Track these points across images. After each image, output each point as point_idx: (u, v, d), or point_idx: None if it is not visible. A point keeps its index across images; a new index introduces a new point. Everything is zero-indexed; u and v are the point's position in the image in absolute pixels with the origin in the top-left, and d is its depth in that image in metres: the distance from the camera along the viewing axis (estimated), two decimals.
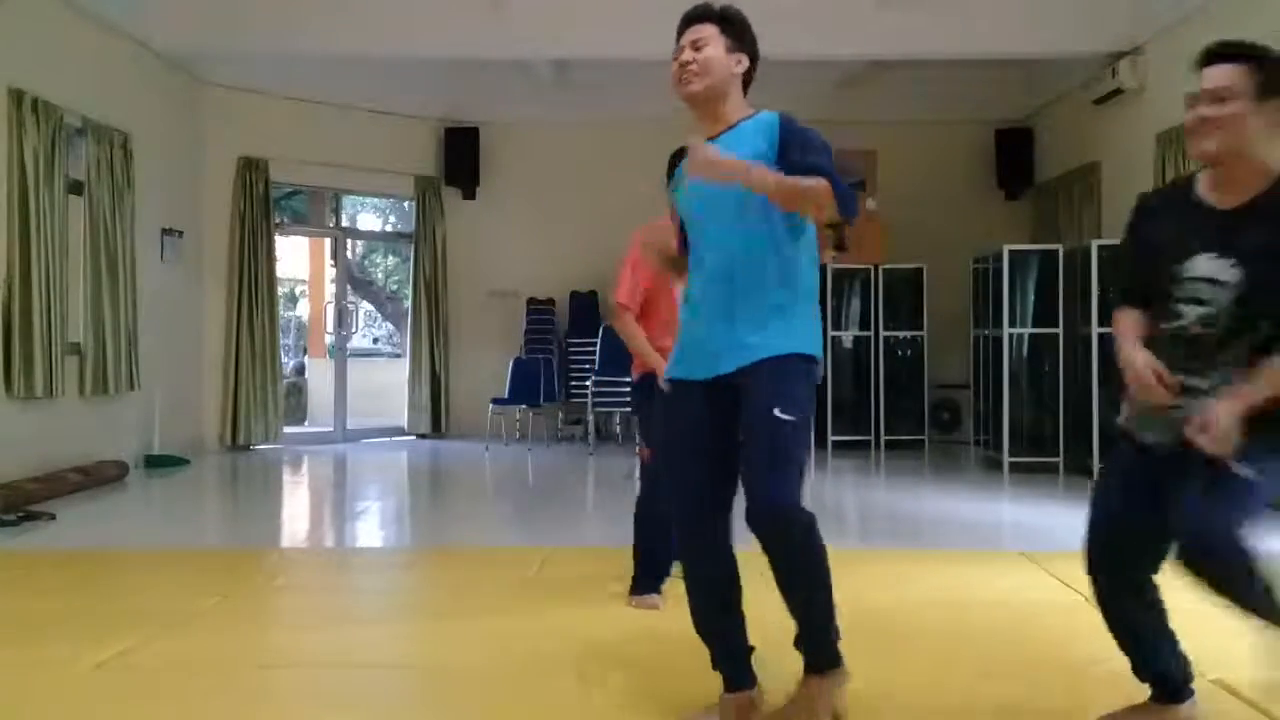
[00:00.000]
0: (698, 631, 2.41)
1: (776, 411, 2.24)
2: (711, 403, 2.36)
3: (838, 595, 2.30)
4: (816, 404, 2.45)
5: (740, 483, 2.33)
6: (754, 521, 2.24)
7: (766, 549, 2.26)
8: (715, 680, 2.40)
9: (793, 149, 2.29)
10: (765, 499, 2.22)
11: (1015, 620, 3.32)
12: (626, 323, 3.47)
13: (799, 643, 2.31)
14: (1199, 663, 2.50)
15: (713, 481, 2.39)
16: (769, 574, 2.27)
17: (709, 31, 2.41)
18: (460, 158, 9.71)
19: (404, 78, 9.24)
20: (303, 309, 17.96)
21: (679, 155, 2.68)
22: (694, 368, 2.40)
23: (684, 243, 2.54)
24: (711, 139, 2.39)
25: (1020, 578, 3.93)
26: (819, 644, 2.30)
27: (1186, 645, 2.44)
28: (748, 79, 2.46)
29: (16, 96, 6.09)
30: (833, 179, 2.21)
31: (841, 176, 2.24)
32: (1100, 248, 7.00)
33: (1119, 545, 2.31)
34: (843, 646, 2.35)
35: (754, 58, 2.46)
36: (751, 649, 2.41)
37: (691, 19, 2.46)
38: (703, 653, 2.42)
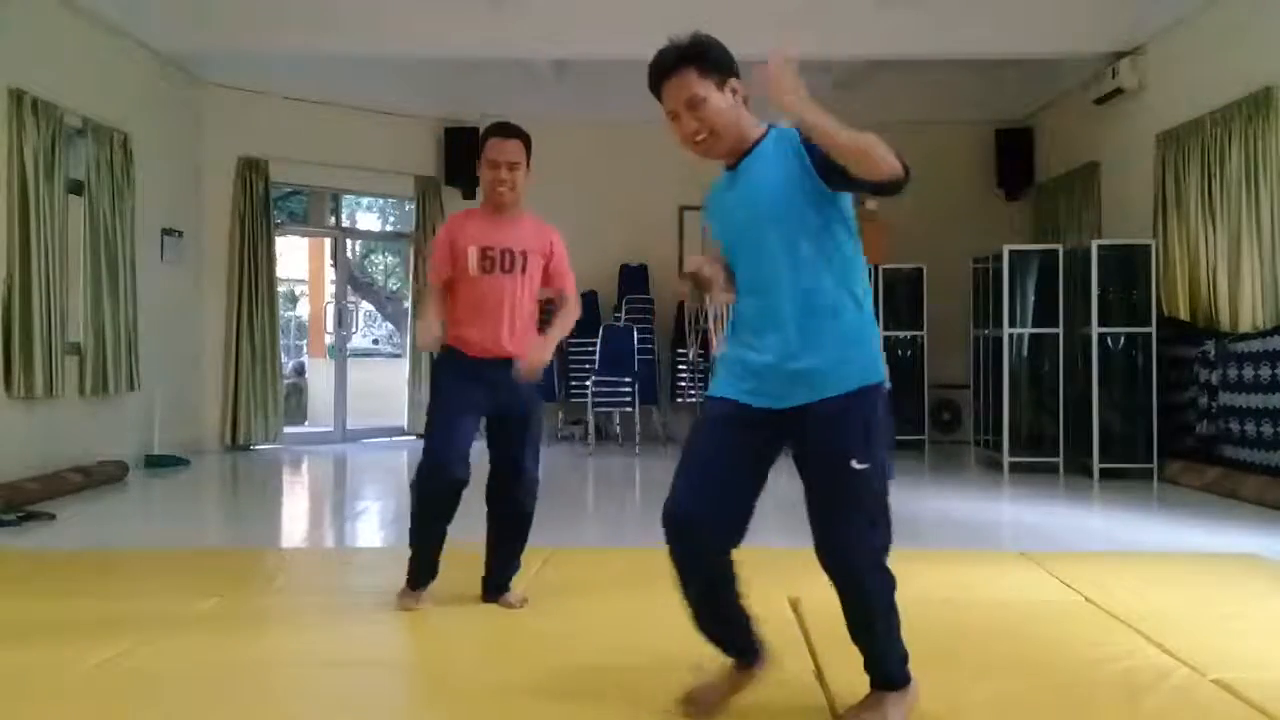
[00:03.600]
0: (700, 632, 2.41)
1: (853, 463, 2.16)
2: (758, 429, 2.26)
3: None
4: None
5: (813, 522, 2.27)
6: (829, 571, 2.25)
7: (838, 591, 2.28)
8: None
9: (817, 154, 2.16)
10: (836, 552, 2.23)
11: (1015, 620, 3.31)
12: (429, 294, 3.55)
13: (867, 666, 2.33)
14: (1199, 663, 2.50)
15: (740, 500, 2.28)
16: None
17: (692, 81, 2.23)
18: (460, 158, 9.70)
19: (404, 78, 9.24)
20: (303, 309, 17.96)
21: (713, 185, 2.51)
22: (751, 395, 2.27)
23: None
24: (732, 169, 2.32)
25: (1020, 578, 3.93)
26: (885, 666, 2.33)
27: (1187, 645, 2.43)
28: (745, 97, 2.32)
29: (16, 96, 6.09)
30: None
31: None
32: (1100, 247, 7.00)
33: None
34: (842, 646, 2.35)
35: (738, 73, 2.30)
36: (754, 631, 2.40)
37: (664, 70, 2.27)
38: (705, 649, 2.43)
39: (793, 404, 2.22)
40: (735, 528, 2.28)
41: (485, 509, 3.55)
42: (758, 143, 2.29)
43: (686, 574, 2.31)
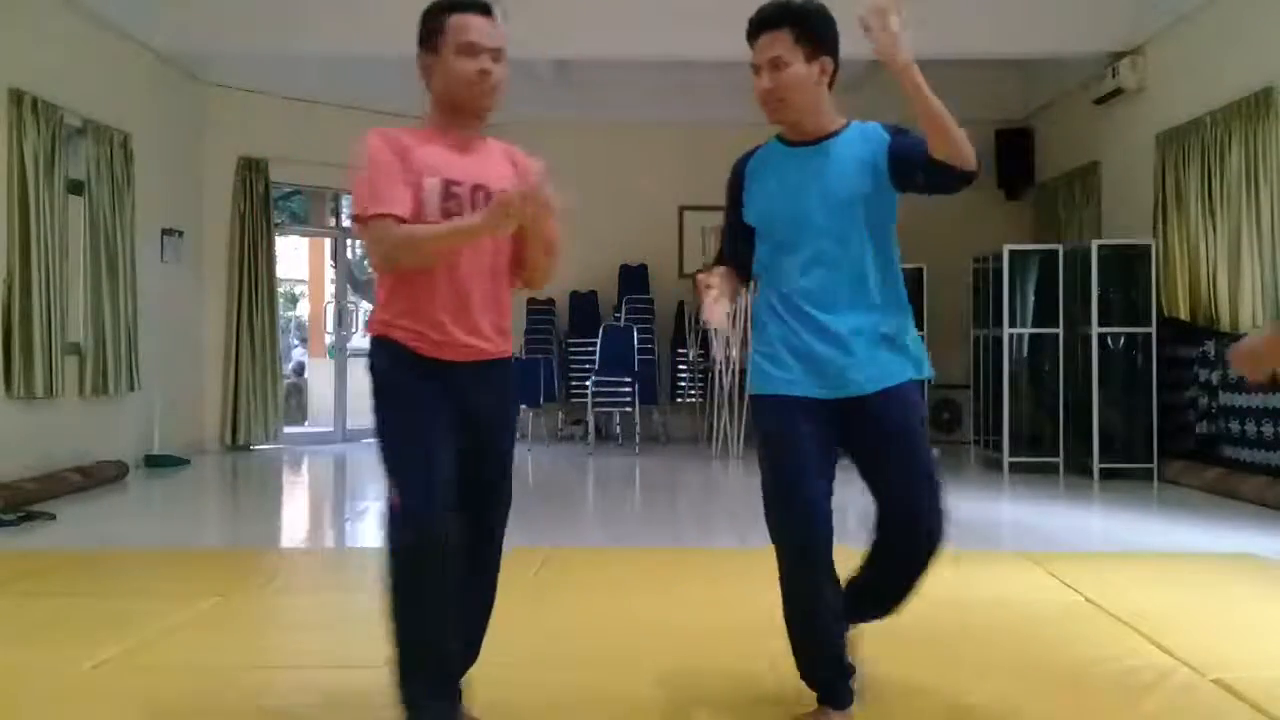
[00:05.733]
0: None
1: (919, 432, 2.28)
2: (824, 419, 2.27)
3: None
4: None
5: (879, 497, 2.31)
6: (910, 540, 2.28)
7: (902, 565, 2.30)
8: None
9: (903, 141, 2.20)
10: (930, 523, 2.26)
11: (1015, 620, 3.31)
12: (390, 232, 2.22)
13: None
14: (1199, 663, 2.50)
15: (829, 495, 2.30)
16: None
17: (785, 43, 2.20)
18: None
19: (404, 78, 9.18)
20: (303, 309, 17.96)
21: (745, 159, 2.44)
22: (810, 386, 2.26)
23: (734, 258, 2.44)
24: (798, 144, 2.30)
25: (1020, 578, 3.93)
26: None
27: (1187, 645, 2.43)
28: (833, 79, 2.28)
29: (16, 96, 6.09)
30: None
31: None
32: (1100, 247, 7.00)
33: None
34: None
35: (837, 57, 2.27)
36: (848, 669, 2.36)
37: (763, 23, 2.24)
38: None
39: (855, 391, 2.24)
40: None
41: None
42: (839, 131, 2.29)
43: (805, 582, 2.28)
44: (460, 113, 2.31)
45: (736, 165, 2.45)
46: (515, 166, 2.33)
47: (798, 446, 2.24)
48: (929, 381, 2.37)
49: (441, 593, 2.11)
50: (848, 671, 2.33)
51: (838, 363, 2.24)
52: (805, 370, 2.26)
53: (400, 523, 2.12)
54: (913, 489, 2.26)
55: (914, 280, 8.90)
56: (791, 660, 2.36)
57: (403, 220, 2.15)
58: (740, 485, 7.04)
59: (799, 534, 2.23)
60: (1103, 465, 6.95)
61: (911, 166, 2.17)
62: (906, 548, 2.28)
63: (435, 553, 2.09)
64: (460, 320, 2.20)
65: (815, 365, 2.25)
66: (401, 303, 2.21)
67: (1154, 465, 6.88)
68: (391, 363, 2.22)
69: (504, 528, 2.36)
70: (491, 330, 2.26)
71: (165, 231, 7.97)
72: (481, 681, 2.33)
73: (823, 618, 2.29)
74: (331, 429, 9.86)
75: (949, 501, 2.28)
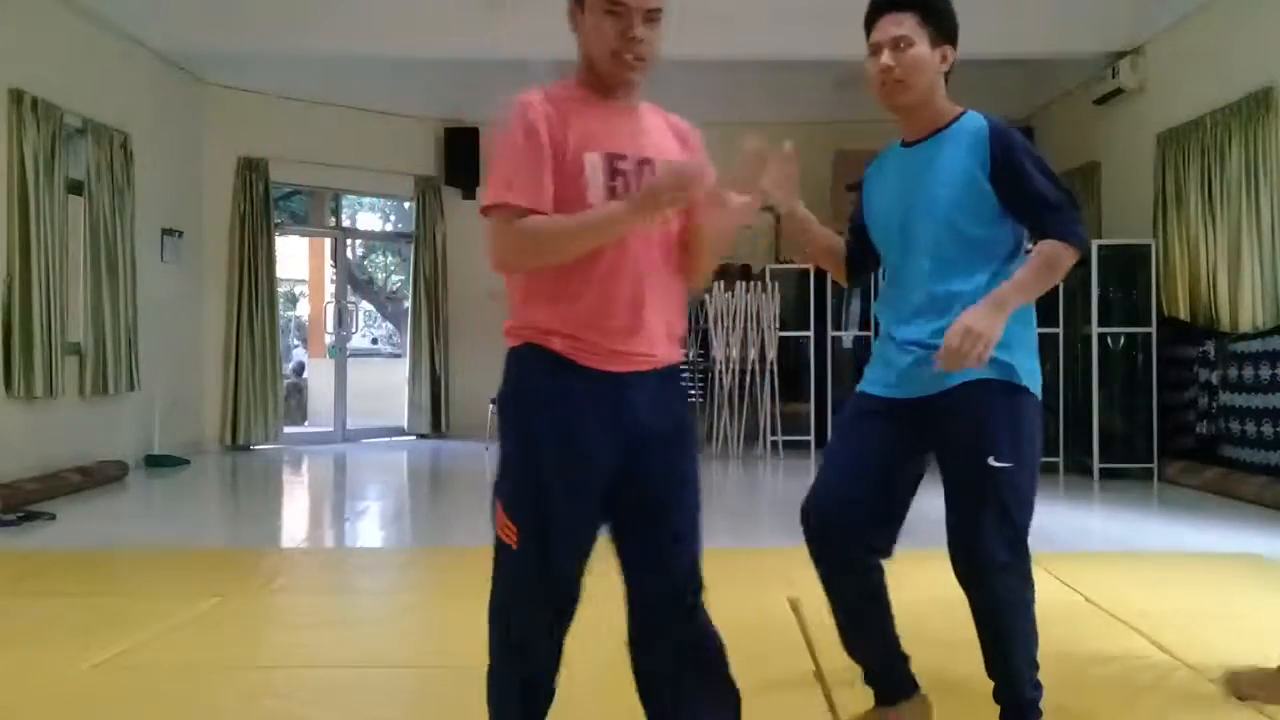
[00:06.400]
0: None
1: (990, 460, 2.10)
2: (900, 422, 2.24)
3: None
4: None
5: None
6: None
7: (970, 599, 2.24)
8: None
9: (1006, 177, 2.11)
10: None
11: None
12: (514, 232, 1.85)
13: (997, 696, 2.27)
14: (1199, 663, 2.50)
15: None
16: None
17: (910, 25, 2.14)
18: (460, 158, 9.71)
19: (404, 78, 9.23)
20: (303, 309, 17.96)
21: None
22: (893, 387, 2.25)
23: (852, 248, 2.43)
24: (911, 144, 2.27)
25: None
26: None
27: (1187, 645, 2.43)
28: (949, 72, 2.23)
29: (16, 96, 6.09)
30: (1056, 209, 2.09)
31: (1065, 196, 2.13)
32: (1100, 247, 7.00)
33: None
34: (841, 647, 2.34)
35: (956, 49, 2.22)
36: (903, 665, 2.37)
37: (890, 3, 2.17)
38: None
39: (935, 389, 2.17)
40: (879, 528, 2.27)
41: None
42: (951, 123, 2.22)
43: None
44: (604, 81, 1.85)
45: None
46: (683, 142, 1.94)
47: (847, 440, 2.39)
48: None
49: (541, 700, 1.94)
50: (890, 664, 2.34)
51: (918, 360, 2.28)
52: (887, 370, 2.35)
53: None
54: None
55: None
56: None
57: (533, 212, 1.76)
58: (740, 485, 7.03)
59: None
60: (1103, 465, 6.95)
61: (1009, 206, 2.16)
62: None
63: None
64: (629, 322, 1.79)
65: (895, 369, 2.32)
66: (547, 301, 1.80)
67: (1154, 465, 6.88)
68: (525, 375, 1.83)
69: (700, 596, 1.91)
70: (665, 334, 1.85)
71: (165, 232, 7.97)
72: (481, 682, 2.33)
73: (839, 613, 2.31)
74: (331, 429, 9.85)
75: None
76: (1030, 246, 2.16)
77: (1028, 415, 2.14)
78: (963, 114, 2.22)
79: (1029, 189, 2.11)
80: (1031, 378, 2.17)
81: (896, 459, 2.25)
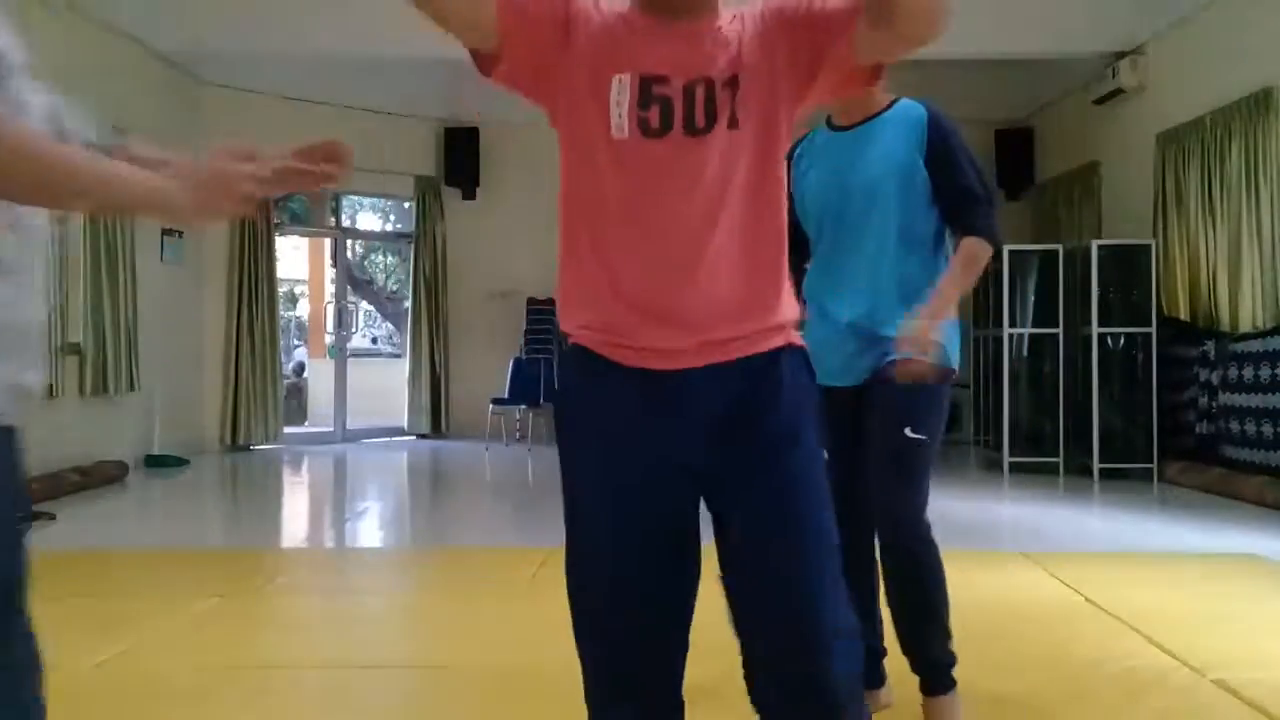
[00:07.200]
0: None
1: (908, 431, 2.18)
2: (845, 409, 2.26)
3: None
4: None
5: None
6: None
7: (887, 571, 2.28)
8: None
9: (939, 165, 2.20)
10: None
11: (1015, 620, 3.31)
12: None
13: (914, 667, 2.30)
14: (1199, 663, 2.50)
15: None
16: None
17: None
18: (460, 158, 9.71)
19: (404, 78, 9.23)
20: (303, 309, 17.96)
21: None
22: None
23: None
24: (846, 128, 2.29)
25: (1020, 578, 3.92)
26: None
27: (1187, 645, 2.43)
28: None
29: None
30: (982, 204, 2.19)
31: (988, 193, 2.23)
32: (1100, 247, 7.00)
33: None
34: None
35: None
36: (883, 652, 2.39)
37: None
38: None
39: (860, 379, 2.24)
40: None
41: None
42: (887, 109, 2.28)
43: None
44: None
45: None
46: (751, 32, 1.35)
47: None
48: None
49: None
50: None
51: (849, 337, 2.33)
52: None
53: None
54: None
55: None
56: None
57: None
58: None
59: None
60: (1103, 465, 6.95)
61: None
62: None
63: None
64: (666, 309, 1.32)
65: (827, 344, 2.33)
66: (573, 286, 1.39)
67: (1154, 465, 6.88)
68: (558, 395, 1.50)
69: (827, 607, 1.36)
70: (731, 320, 1.33)
71: (165, 232, 7.96)
72: (481, 682, 2.33)
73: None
74: (331, 429, 9.85)
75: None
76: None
77: (946, 393, 2.29)
78: (896, 100, 2.30)
79: (958, 180, 2.20)
80: (955, 358, 2.28)
81: (848, 448, 2.29)
